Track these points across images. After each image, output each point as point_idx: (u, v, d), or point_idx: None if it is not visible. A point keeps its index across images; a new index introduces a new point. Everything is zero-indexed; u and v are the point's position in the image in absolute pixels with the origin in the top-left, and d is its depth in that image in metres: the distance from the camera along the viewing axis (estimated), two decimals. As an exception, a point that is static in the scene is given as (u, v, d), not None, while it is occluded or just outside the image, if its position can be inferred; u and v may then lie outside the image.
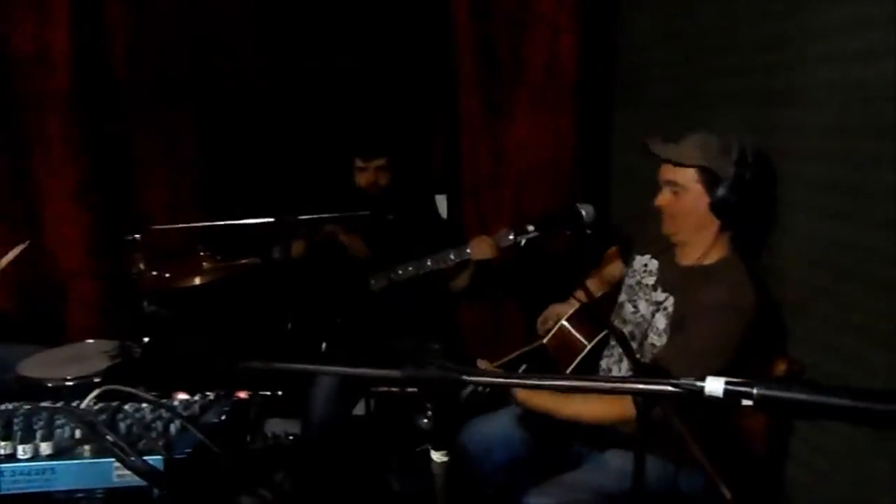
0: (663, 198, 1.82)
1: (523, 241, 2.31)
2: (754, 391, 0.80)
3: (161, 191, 3.02)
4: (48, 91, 2.79)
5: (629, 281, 2.00)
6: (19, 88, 2.78)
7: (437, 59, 3.10)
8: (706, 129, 1.83)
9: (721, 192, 1.74)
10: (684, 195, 1.78)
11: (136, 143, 2.98)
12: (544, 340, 2.17)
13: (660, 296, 1.85)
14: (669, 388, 0.84)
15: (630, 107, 2.91)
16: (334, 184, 2.82)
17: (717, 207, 1.76)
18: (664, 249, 1.91)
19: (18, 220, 2.81)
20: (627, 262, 2.07)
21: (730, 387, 0.81)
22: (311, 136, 3.17)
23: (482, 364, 1.94)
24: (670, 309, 1.80)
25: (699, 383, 0.81)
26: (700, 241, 1.81)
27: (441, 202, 3.13)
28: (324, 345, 2.82)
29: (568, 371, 2.09)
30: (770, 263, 2.00)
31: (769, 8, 1.98)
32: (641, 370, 1.54)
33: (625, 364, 1.94)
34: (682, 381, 0.82)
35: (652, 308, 1.85)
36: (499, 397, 1.98)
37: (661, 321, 1.81)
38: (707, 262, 1.80)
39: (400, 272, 2.68)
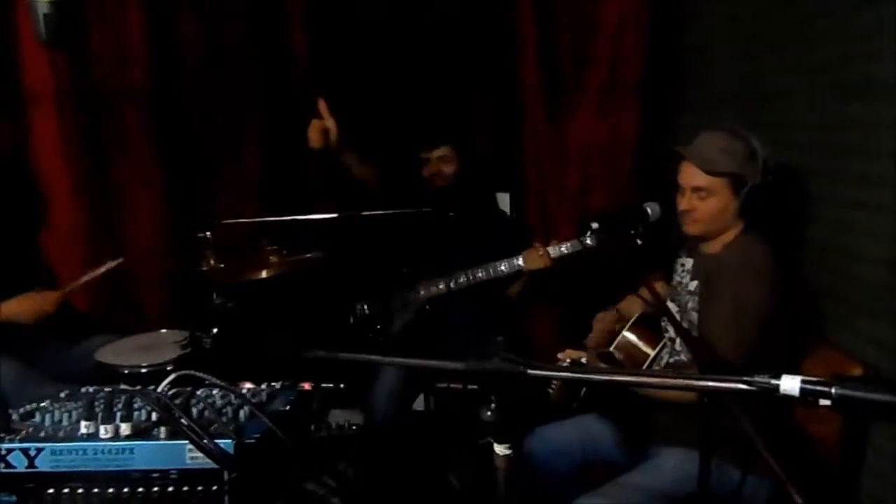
0: (689, 202, 1.86)
1: (572, 250, 2.39)
2: (833, 390, 0.77)
3: (229, 188, 3.11)
4: (127, 94, 2.91)
5: (675, 283, 2.07)
6: (100, 93, 2.91)
7: (497, 55, 3.10)
8: (716, 126, 1.89)
9: (749, 196, 1.81)
10: (711, 200, 1.84)
11: (204, 142, 3.07)
12: (611, 349, 2.16)
13: (692, 285, 1.93)
14: (742, 386, 0.82)
15: (694, 105, 2.86)
16: (401, 178, 2.84)
17: (744, 210, 1.83)
18: (694, 246, 2.00)
19: (98, 217, 2.94)
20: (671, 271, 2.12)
21: (807, 385, 0.79)
22: (377, 132, 3.20)
23: (568, 353, 1.98)
24: (697, 291, 1.89)
25: (774, 381, 0.80)
26: (724, 237, 1.88)
27: (503, 200, 3.12)
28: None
29: None
30: (837, 264, 1.94)
31: (835, 3, 1.92)
32: (704, 365, 1.52)
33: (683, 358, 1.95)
34: (756, 378, 0.81)
35: (688, 298, 1.93)
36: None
37: (691, 304, 1.91)
38: (725, 243, 1.88)
39: (451, 284, 2.66)
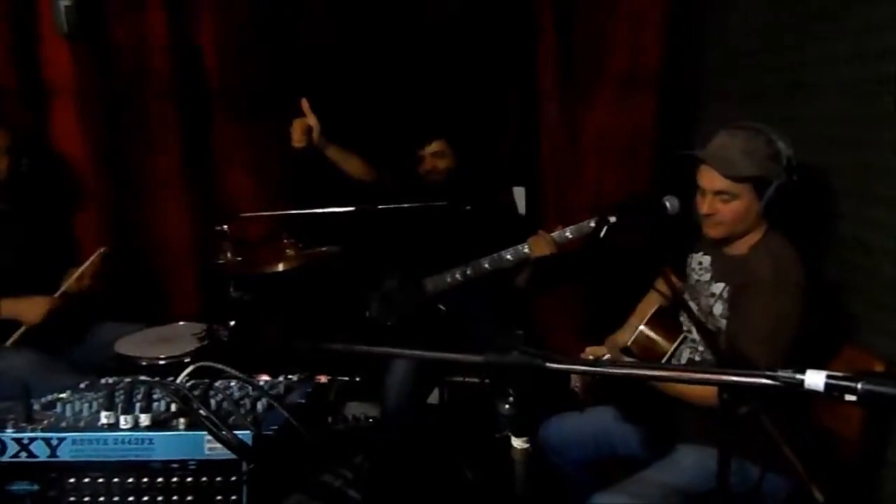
0: (711, 206, 1.81)
1: (577, 234, 2.39)
2: (859, 386, 0.76)
3: (246, 181, 3.11)
4: (148, 87, 2.92)
5: (689, 281, 2.02)
6: (121, 86, 2.92)
7: (514, 48, 3.08)
8: (736, 123, 1.83)
9: (773, 197, 1.76)
10: (734, 202, 1.78)
11: (223, 136, 3.08)
12: (628, 343, 2.14)
13: (716, 287, 1.87)
14: (766, 381, 0.81)
15: (716, 98, 2.83)
16: (397, 173, 2.83)
17: (768, 212, 1.78)
18: (715, 244, 1.93)
19: (118, 210, 2.96)
20: (684, 265, 2.08)
21: (832, 380, 0.77)
22: (389, 127, 3.20)
23: (589, 351, 1.96)
24: (725, 296, 1.83)
25: (799, 376, 0.78)
26: (749, 238, 1.84)
27: (520, 194, 3.10)
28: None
29: None
30: (858, 259, 1.92)
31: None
32: (725, 362, 1.50)
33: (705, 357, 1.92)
34: (781, 373, 0.79)
35: (710, 300, 1.87)
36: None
37: (718, 308, 1.84)
38: (752, 244, 1.83)
39: (458, 276, 2.66)
